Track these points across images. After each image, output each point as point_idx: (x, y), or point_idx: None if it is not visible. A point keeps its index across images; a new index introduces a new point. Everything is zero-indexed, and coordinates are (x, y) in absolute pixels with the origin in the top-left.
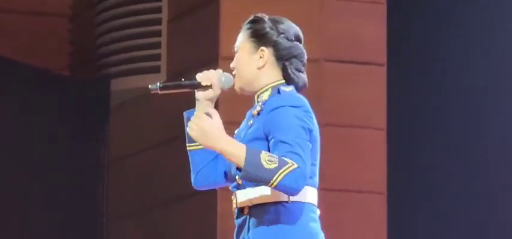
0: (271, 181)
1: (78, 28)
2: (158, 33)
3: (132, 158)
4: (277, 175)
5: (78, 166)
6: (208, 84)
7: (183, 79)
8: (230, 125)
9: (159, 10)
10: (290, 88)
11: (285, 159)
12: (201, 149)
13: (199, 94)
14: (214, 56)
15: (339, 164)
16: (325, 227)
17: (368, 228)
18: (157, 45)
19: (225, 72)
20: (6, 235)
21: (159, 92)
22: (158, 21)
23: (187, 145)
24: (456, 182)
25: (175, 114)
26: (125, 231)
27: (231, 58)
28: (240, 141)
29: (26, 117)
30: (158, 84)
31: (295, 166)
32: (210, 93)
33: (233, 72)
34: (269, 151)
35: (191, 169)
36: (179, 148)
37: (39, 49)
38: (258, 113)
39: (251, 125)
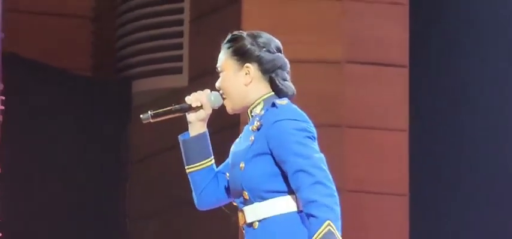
0: None
1: (100, 29)
2: (180, 34)
3: (154, 158)
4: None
5: (100, 166)
6: (199, 105)
7: (173, 104)
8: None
9: (181, 11)
10: (285, 101)
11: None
12: (202, 169)
13: (191, 116)
14: None
15: (360, 165)
16: (346, 229)
17: (390, 230)
18: (179, 46)
19: (213, 91)
20: (29, 236)
21: (151, 120)
22: (180, 22)
23: (186, 166)
24: (479, 184)
25: None
26: (147, 231)
27: None
28: (241, 157)
29: (48, 118)
30: (149, 113)
31: (330, 216)
32: (201, 114)
33: (220, 92)
34: (275, 164)
35: (193, 190)
36: None
37: (61, 50)
38: (258, 129)
39: (253, 142)
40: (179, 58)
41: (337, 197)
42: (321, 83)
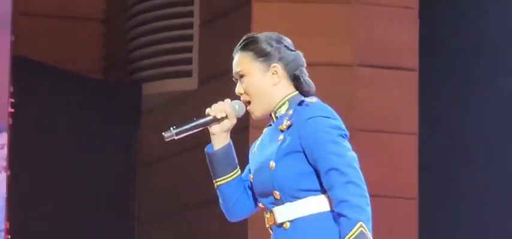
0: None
1: (111, 32)
2: (190, 38)
3: (163, 161)
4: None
5: (110, 168)
6: (223, 115)
7: (194, 118)
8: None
9: (191, 14)
10: (314, 99)
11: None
12: (231, 180)
13: (214, 128)
14: None
15: (370, 169)
16: None
17: (399, 233)
18: (189, 49)
19: (234, 100)
20: (39, 236)
21: (175, 137)
22: (190, 26)
23: (214, 180)
24: (488, 187)
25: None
26: (156, 234)
27: None
28: (270, 157)
29: (58, 120)
30: (172, 130)
31: (362, 217)
32: (226, 124)
33: (242, 98)
34: (307, 162)
35: (224, 203)
36: None
37: (72, 53)
38: (288, 127)
39: (283, 141)
40: (189, 61)
41: (368, 197)
42: (332, 86)
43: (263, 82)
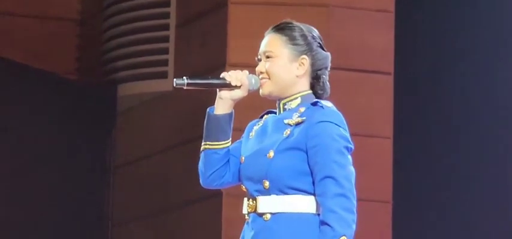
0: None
1: (86, 33)
2: (166, 39)
3: (138, 163)
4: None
5: (85, 170)
6: (239, 84)
7: (209, 77)
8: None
9: (167, 16)
10: (330, 103)
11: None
12: (220, 148)
13: (224, 93)
14: (222, 62)
15: None
16: None
17: (373, 237)
18: (165, 51)
19: (252, 74)
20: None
21: (185, 87)
22: (166, 27)
23: (205, 142)
24: (463, 191)
25: (181, 120)
26: (130, 236)
27: (239, 64)
28: (271, 146)
29: (32, 121)
30: (185, 79)
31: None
32: (237, 93)
33: (261, 77)
34: (306, 162)
35: (204, 167)
36: (185, 154)
37: (46, 53)
38: (297, 124)
39: (289, 135)
40: (165, 63)
41: (356, 215)
42: None
43: (288, 70)
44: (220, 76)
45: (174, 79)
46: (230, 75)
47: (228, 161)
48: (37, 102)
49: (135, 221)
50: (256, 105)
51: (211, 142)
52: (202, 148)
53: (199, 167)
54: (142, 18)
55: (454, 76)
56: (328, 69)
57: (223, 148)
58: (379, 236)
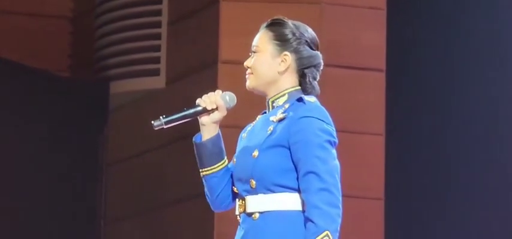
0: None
1: (78, 30)
2: (158, 36)
3: (131, 160)
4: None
5: (77, 168)
6: (214, 107)
7: (185, 108)
8: (232, 129)
9: (159, 13)
10: (313, 99)
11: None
12: (217, 171)
13: (204, 119)
14: (214, 59)
15: None
16: None
17: (365, 234)
18: (157, 48)
19: (226, 92)
20: (3, 236)
21: (164, 126)
22: (158, 24)
23: (201, 170)
24: (455, 188)
25: None
26: (122, 234)
27: (231, 62)
28: (256, 145)
29: (25, 118)
30: (162, 119)
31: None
32: (216, 115)
33: (247, 72)
34: (290, 159)
35: (209, 193)
36: (177, 151)
37: (39, 51)
38: (280, 120)
39: (272, 132)
40: (157, 60)
41: (341, 209)
42: None
43: (270, 65)
44: (196, 103)
45: (152, 122)
46: (204, 101)
47: (230, 178)
48: (29, 99)
49: (128, 218)
50: (255, 102)
51: (206, 168)
52: (201, 175)
53: (205, 195)
54: (134, 15)
55: (446, 73)
56: (319, 68)
57: (219, 170)
58: (371, 233)
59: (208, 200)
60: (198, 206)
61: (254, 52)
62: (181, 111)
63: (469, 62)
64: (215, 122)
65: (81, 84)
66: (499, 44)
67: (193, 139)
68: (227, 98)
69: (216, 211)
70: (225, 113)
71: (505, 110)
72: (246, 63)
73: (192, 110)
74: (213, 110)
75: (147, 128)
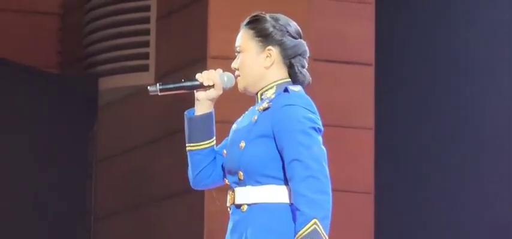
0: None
1: (67, 26)
2: (147, 32)
3: (120, 157)
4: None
5: (66, 164)
6: (211, 84)
7: (182, 79)
8: (225, 125)
9: (147, 9)
10: (298, 88)
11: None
12: (203, 149)
13: (200, 94)
14: (203, 55)
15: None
16: None
17: (355, 228)
18: (146, 44)
19: (226, 72)
20: None
21: (159, 93)
22: (147, 20)
23: (187, 144)
24: (443, 182)
25: (163, 113)
26: (113, 229)
27: (220, 57)
28: (242, 136)
29: (14, 115)
30: (158, 85)
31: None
32: (212, 93)
33: (236, 73)
34: (276, 149)
35: (190, 169)
36: (167, 147)
37: (27, 47)
38: (264, 110)
39: (256, 121)
40: (146, 56)
41: (330, 194)
42: None
43: (255, 62)
44: (196, 77)
45: (148, 87)
46: (202, 76)
47: (214, 160)
48: (18, 96)
49: (118, 214)
50: (244, 97)
51: (192, 143)
52: (186, 150)
53: (188, 171)
54: (123, 11)
55: (435, 66)
56: (305, 56)
57: (205, 148)
58: (361, 227)
59: (188, 176)
60: (188, 202)
61: (238, 52)
62: (178, 82)
63: (459, 53)
64: (210, 100)
65: (70, 80)
66: (487, 38)
67: (185, 112)
68: (225, 78)
69: (194, 188)
70: (220, 92)
71: (495, 102)
72: (232, 65)
73: (189, 83)
74: (209, 87)
75: (136, 124)
